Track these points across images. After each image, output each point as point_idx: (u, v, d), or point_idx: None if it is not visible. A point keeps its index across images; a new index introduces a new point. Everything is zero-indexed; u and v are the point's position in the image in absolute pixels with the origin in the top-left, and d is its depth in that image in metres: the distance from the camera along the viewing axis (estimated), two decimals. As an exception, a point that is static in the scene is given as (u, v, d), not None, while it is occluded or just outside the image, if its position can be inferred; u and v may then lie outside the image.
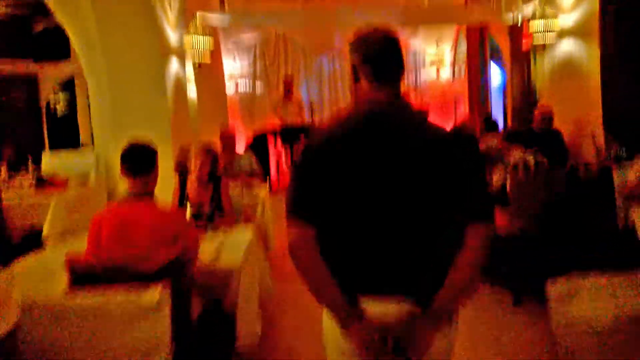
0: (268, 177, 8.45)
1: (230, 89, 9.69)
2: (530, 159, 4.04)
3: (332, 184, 1.45)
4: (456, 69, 9.80)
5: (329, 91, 9.95)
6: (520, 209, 3.91)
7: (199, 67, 6.03)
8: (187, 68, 6.34)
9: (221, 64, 9.31)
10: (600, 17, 4.78)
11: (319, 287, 1.48)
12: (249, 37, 9.64)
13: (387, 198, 1.44)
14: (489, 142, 6.04)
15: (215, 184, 3.72)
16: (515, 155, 4.10)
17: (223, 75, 9.40)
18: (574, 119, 5.59)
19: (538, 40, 5.68)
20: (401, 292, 1.46)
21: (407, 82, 9.97)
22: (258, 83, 9.84)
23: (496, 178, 4.13)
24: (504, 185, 4.07)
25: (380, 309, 1.46)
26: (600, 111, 4.92)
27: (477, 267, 1.46)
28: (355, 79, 1.54)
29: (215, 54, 9.14)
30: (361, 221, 1.46)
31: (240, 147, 8.97)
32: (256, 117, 9.77)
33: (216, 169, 3.72)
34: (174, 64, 5.45)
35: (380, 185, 1.44)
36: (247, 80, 9.83)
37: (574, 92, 5.55)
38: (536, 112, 5.42)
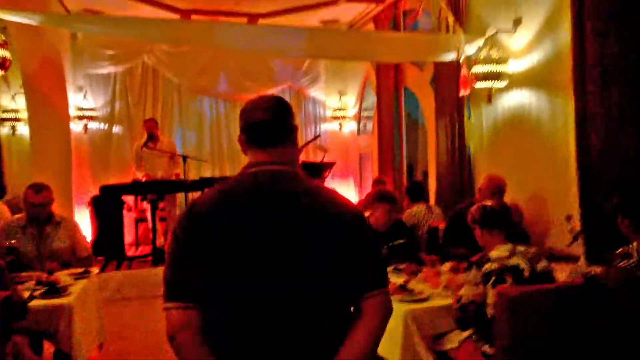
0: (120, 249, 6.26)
1: (77, 130, 7.47)
2: (522, 264, 2.45)
3: (212, 260, 1.34)
4: (361, 124, 8.46)
5: (210, 141, 8.05)
6: (512, 353, 2.25)
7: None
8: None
9: (65, 99, 7.11)
10: (574, 64, 3.52)
11: None
12: (106, 69, 7.55)
13: (269, 274, 1.35)
14: (418, 214, 4.48)
15: None
16: (500, 253, 2.48)
17: (67, 114, 7.17)
18: (529, 193, 4.25)
19: (481, 86, 4.34)
20: None
21: (305, 135, 8.43)
22: (116, 128, 7.69)
23: (465, 291, 2.47)
24: (479, 306, 2.42)
25: None
26: (574, 185, 3.57)
27: (374, 336, 1.39)
28: (243, 149, 1.49)
29: (59, 86, 7.05)
30: (246, 301, 1.35)
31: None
32: (112, 169, 7.57)
33: None
34: None
35: (261, 260, 1.35)
36: (101, 124, 7.65)
37: (529, 157, 4.22)
38: (483, 184, 3.97)
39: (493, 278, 2.39)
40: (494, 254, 2.48)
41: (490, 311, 2.39)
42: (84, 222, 7.15)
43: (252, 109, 1.48)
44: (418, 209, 4.47)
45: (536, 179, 4.19)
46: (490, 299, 2.38)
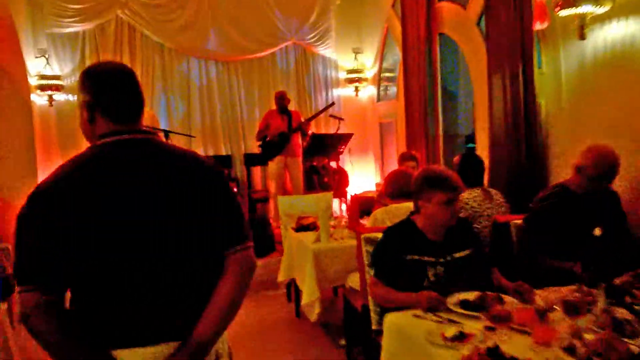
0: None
1: (41, 103, 6.21)
2: None
3: (67, 236, 1.32)
4: (382, 88, 7.07)
5: (200, 112, 6.71)
6: None
7: None
8: None
9: (22, 65, 5.82)
10: None
11: (60, 352, 1.34)
12: (73, 27, 6.21)
13: (130, 241, 1.35)
14: (471, 203, 3.13)
15: None
16: None
17: (26, 84, 5.90)
18: (635, 172, 2.89)
19: (569, 13, 2.95)
20: (164, 336, 1.37)
21: (314, 102, 7.08)
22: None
23: None
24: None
25: (138, 357, 1.36)
26: None
27: (236, 292, 1.43)
28: (90, 118, 1.44)
29: (12, 50, 5.77)
30: (107, 271, 1.35)
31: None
32: (85, 148, 6.29)
33: None
34: None
35: (121, 229, 1.35)
36: (69, 96, 6.34)
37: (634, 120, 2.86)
38: (585, 159, 2.61)
39: None
40: None
41: None
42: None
43: (110, 79, 1.45)
44: (471, 195, 3.11)
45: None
46: None
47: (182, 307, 1.39)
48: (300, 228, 4.02)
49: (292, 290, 4.34)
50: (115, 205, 1.34)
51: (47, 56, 6.18)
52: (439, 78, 5.24)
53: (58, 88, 6.23)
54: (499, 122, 3.96)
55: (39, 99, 6.19)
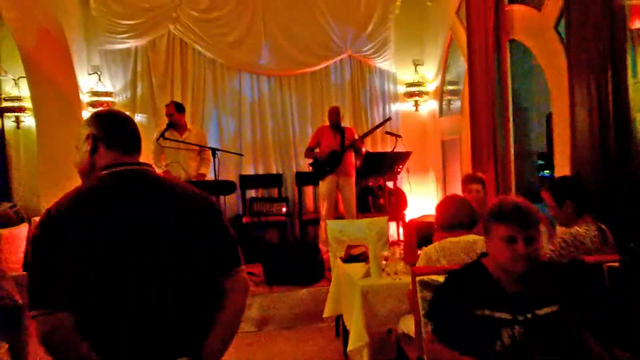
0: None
1: (94, 121, 6.14)
2: None
3: (78, 260, 1.38)
4: (445, 102, 6.54)
5: (251, 129, 6.44)
6: None
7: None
8: None
9: (74, 81, 5.81)
10: None
11: None
12: (125, 43, 6.14)
13: (137, 267, 1.43)
14: (582, 239, 2.54)
15: None
16: None
17: (78, 100, 5.88)
18: None
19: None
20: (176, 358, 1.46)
21: (370, 118, 6.65)
22: (139, 117, 6.24)
23: None
24: None
25: None
26: None
27: (239, 312, 1.61)
28: (93, 149, 1.55)
29: (65, 66, 5.78)
30: (117, 296, 1.41)
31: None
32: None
33: None
34: None
35: (129, 254, 1.43)
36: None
37: None
38: None
39: None
40: None
41: None
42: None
43: (116, 119, 1.61)
44: (588, 232, 2.51)
45: None
46: None
47: (182, 332, 1.48)
48: (349, 259, 3.58)
49: (341, 325, 3.90)
50: (123, 230, 1.43)
51: (99, 73, 6.14)
52: (510, 90, 4.67)
53: (110, 105, 6.16)
54: (582, 140, 3.38)
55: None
